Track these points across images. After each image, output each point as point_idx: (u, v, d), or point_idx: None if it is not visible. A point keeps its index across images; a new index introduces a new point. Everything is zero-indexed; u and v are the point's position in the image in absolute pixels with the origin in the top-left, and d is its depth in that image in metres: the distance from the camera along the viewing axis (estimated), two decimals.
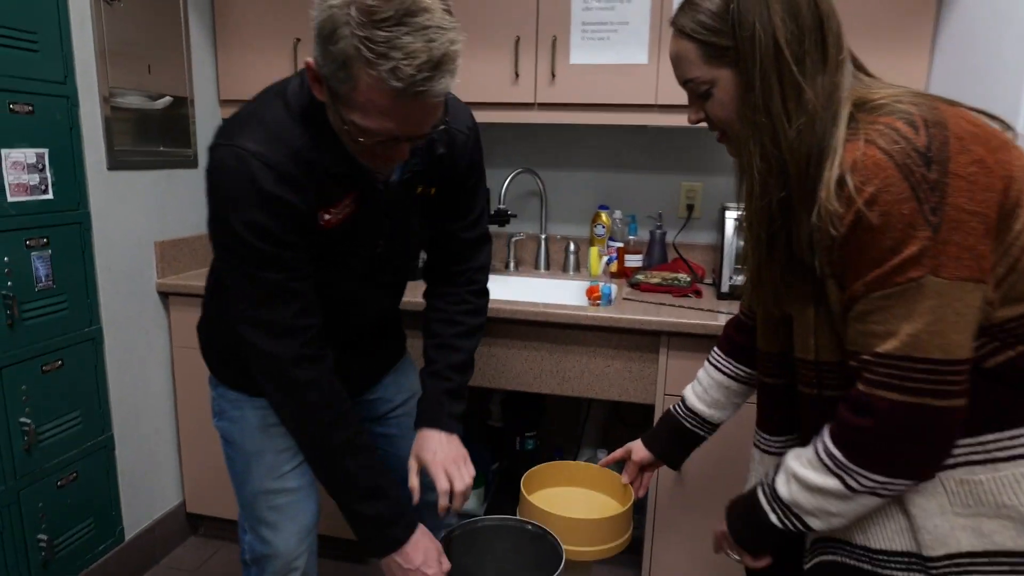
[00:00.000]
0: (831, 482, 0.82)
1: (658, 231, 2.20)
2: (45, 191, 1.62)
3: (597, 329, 1.76)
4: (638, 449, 1.31)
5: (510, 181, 2.13)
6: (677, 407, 1.26)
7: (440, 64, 0.82)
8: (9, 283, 1.54)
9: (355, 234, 1.07)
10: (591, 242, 2.24)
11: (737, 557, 1.00)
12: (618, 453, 1.35)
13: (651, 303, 1.85)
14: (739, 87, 0.85)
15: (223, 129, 1.00)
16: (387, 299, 1.29)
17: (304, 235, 1.00)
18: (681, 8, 0.88)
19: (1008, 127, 0.83)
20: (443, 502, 1.12)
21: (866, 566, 0.87)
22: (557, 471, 1.40)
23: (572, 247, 2.27)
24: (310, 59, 0.88)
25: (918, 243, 0.73)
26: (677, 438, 1.26)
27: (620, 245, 2.18)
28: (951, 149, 0.74)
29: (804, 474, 0.85)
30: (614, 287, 2.01)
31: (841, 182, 0.77)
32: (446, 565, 1.12)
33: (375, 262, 1.14)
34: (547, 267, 2.30)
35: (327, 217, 1.02)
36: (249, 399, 1.22)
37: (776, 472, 0.91)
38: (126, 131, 1.86)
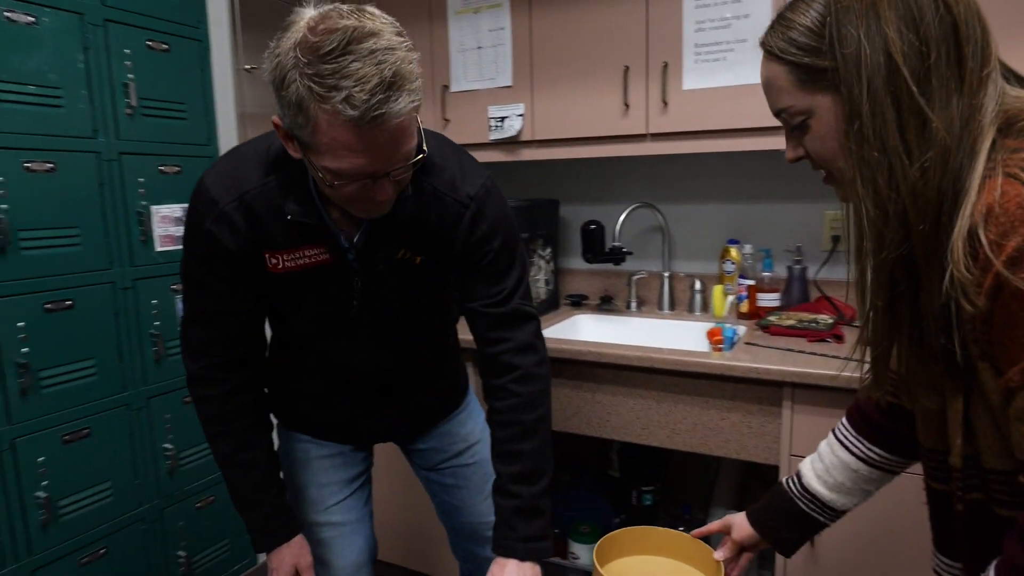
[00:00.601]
0: None
1: (797, 267, 1.95)
2: None
3: (709, 377, 1.58)
4: (740, 525, 1.12)
5: (626, 216, 2.02)
6: (792, 483, 1.05)
7: (393, 84, 0.78)
8: (156, 323, 1.74)
9: (320, 287, 1.05)
10: (720, 280, 2.05)
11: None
12: (715, 525, 1.17)
13: (779, 349, 1.63)
14: (842, 117, 0.68)
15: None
16: (383, 350, 1.15)
17: (241, 274, 1.02)
18: (772, 26, 0.74)
19: None
20: None
21: None
22: (641, 538, 1.26)
23: (698, 285, 2.09)
24: (275, 117, 0.87)
25: None
26: (789, 520, 1.04)
27: (751, 283, 1.97)
28: None
29: None
30: (741, 329, 1.82)
31: (973, 236, 0.60)
32: None
33: (353, 321, 1.10)
34: (671, 307, 2.14)
35: (273, 261, 1.01)
36: (293, 434, 1.26)
37: None
38: None
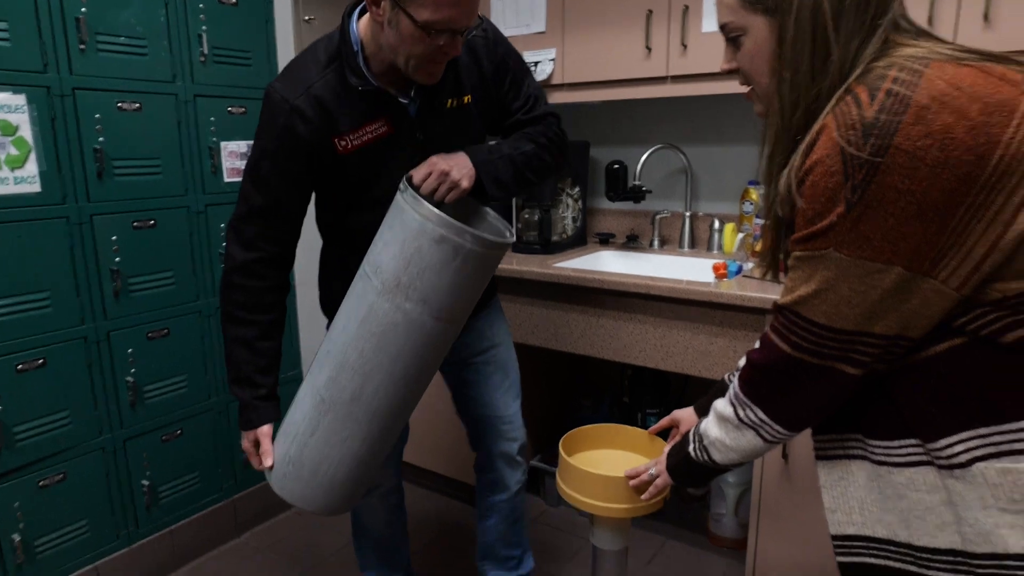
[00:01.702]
0: (728, 411, 0.91)
1: None
2: None
3: (699, 304, 1.70)
4: (687, 418, 1.29)
5: (648, 157, 2.12)
6: (732, 375, 1.22)
7: None
8: (224, 244, 2.02)
9: (390, 153, 1.24)
10: (740, 220, 2.13)
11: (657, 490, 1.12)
12: (664, 421, 1.33)
13: (778, 283, 1.72)
14: (771, 38, 0.81)
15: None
16: None
17: (314, 163, 1.21)
18: None
19: None
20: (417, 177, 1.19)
21: (911, 567, 0.81)
22: (603, 433, 1.43)
23: (717, 225, 2.18)
24: None
25: (831, 217, 0.72)
26: None
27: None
28: (905, 120, 0.68)
29: (717, 404, 0.94)
30: (748, 265, 1.91)
31: (793, 160, 0.77)
32: (266, 462, 1.27)
33: None
34: (692, 246, 2.24)
35: (342, 144, 1.21)
36: None
37: None
38: None
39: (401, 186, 1.15)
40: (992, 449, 0.72)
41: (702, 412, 1.26)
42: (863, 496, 0.85)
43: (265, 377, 1.32)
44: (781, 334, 0.81)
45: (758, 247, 2.03)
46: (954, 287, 0.71)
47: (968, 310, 0.72)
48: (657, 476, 1.12)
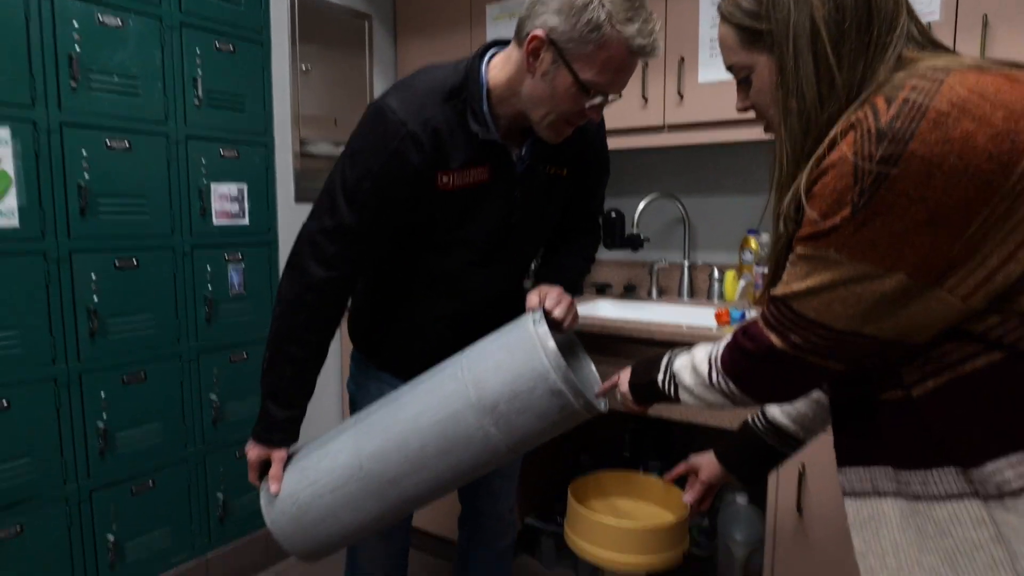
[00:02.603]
0: (704, 369, 0.92)
1: None
2: (243, 218, 2.06)
3: None
4: (707, 464, 1.21)
5: (646, 205, 2.09)
6: (757, 419, 1.15)
7: (656, 33, 1.05)
8: (209, 286, 1.98)
9: (483, 202, 1.21)
10: (739, 269, 2.08)
11: (620, 398, 1.11)
12: (681, 467, 1.26)
13: None
14: (775, 72, 0.80)
15: (387, 91, 1.21)
16: (503, 282, 1.37)
17: (413, 192, 1.15)
18: None
19: None
20: (532, 304, 1.21)
21: None
22: (616, 480, 1.34)
23: (716, 274, 2.13)
24: (539, 32, 1.06)
25: (835, 220, 0.69)
26: (753, 453, 1.15)
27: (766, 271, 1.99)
28: (921, 126, 0.65)
29: (698, 350, 0.95)
30: (751, 313, 1.85)
31: (799, 199, 0.76)
32: (273, 488, 1.21)
33: (502, 234, 1.25)
34: (691, 295, 2.19)
35: (444, 180, 1.16)
36: (374, 370, 1.41)
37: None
38: (315, 172, 2.28)
39: (536, 316, 1.12)
40: None
41: (723, 460, 1.18)
42: (897, 537, 0.77)
43: (303, 400, 1.27)
44: (771, 325, 0.79)
45: (759, 295, 1.98)
46: (961, 297, 0.67)
47: (1004, 320, 0.68)
48: (608, 384, 1.15)
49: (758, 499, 1.95)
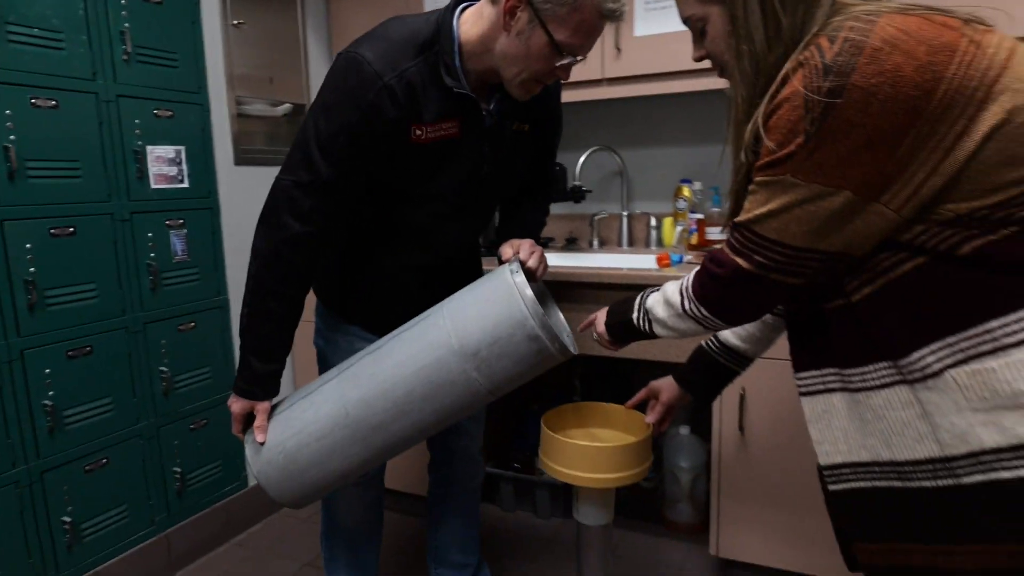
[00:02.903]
0: (676, 300, 1.02)
1: None
2: (182, 181, 1.98)
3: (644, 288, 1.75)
4: (667, 387, 1.32)
5: (586, 158, 2.18)
6: (710, 342, 1.27)
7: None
8: (152, 255, 1.89)
9: (454, 155, 1.23)
10: (674, 216, 2.22)
11: (597, 338, 1.22)
12: (642, 393, 1.36)
13: None
14: (728, 20, 0.88)
15: (353, 41, 1.20)
16: (470, 235, 1.44)
17: (387, 145, 1.17)
18: None
19: (975, 21, 0.80)
20: (507, 255, 1.28)
21: (896, 483, 0.85)
22: (582, 411, 1.44)
23: (654, 222, 2.26)
24: None
25: (791, 147, 0.79)
26: (709, 373, 1.28)
27: (700, 217, 2.14)
28: (860, 60, 0.75)
29: (668, 286, 1.06)
30: (688, 256, 1.99)
31: (758, 130, 0.84)
32: (259, 438, 1.23)
33: (472, 187, 1.29)
34: (630, 244, 2.31)
35: (418, 132, 1.18)
36: (341, 325, 1.42)
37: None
38: (251, 133, 2.20)
39: (513, 267, 1.17)
40: (960, 355, 0.78)
41: (682, 381, 1.30)
42: (846, 425, 0.90)
43: (283, 354, 1.27)
44: (736, 250, 0.88)
45: (694, 240, 2.12)
46: (894, 209, 0.78)
47: (927, 229, 0.79)
48: (585, 323, 1.26)
49: (699, 430, 2.12)
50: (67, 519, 1.71)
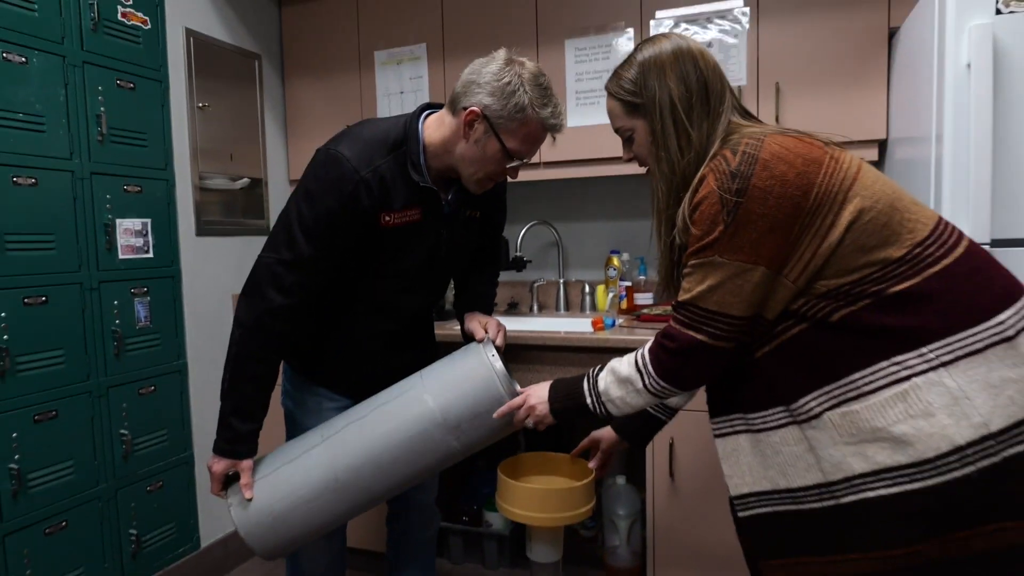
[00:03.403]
0: (635, 378, 1.13)
1: None
2: (147, 251, 2.09)
3: (590, 350, 1.97)
4: (607, 436, 1.51)
5: (526, 231, 2.42)
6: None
7: (562, 116, 1.37)
8: (117, 321, 1.98)
9: (416, 238, 1.42)
10: (605, 283, 2.47)
11: (533, 422, 1.30)
12: (585, 442, 1.55)
13: (648, 329, 2.05)
14: (648, 132, 1.13)
15: (331, 139, 1.39)
16: (427, 305, 1.61)
17: (361, 229, 1.35)
18: (610, 77, 1.19)
19: (832, 146, 1.07)
20: (479, 335, 1.46)
21: (791, 507, 1.07)
22: (532, 460, 1.61)
23: (588, 289, 2.51)
24: (475, 108, 1.30)
25: (715, 234, 1.01)
26: (643, 424, 1.46)
27: (629, 284, 2.40)
28: (756, 168, 1.00)
29: (617, 367, 1.16)
30: (619, 320, 2.23)
31: (685, 201, 1.08)
32: (247, 494, 1.35)
33: (430, 265, 1.48)
34: (566, 308, 2.54)
35: (387, 219, 1.37)
36: (312, 387, 1.55)
37: (603, 371, 1.20)
38: (212, 205, 2.34)
39: (489, 351, 1.37)
40: (834, 400, 1.01)
41: (619, 431, 1.50)
42: (750, 460, 1.12)
43: (262, 414, 1.40)
44: (686, 324, 1.06)
45: (624, 305, 2.37)
46: (792, 280, 1.02)
47: (808, 301, 1.03)
48: (523, 411, 1.32)
49: (634, 479, 2.33)
50: None
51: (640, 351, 1.14)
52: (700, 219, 1.03)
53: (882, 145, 2.02)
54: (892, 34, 1.95)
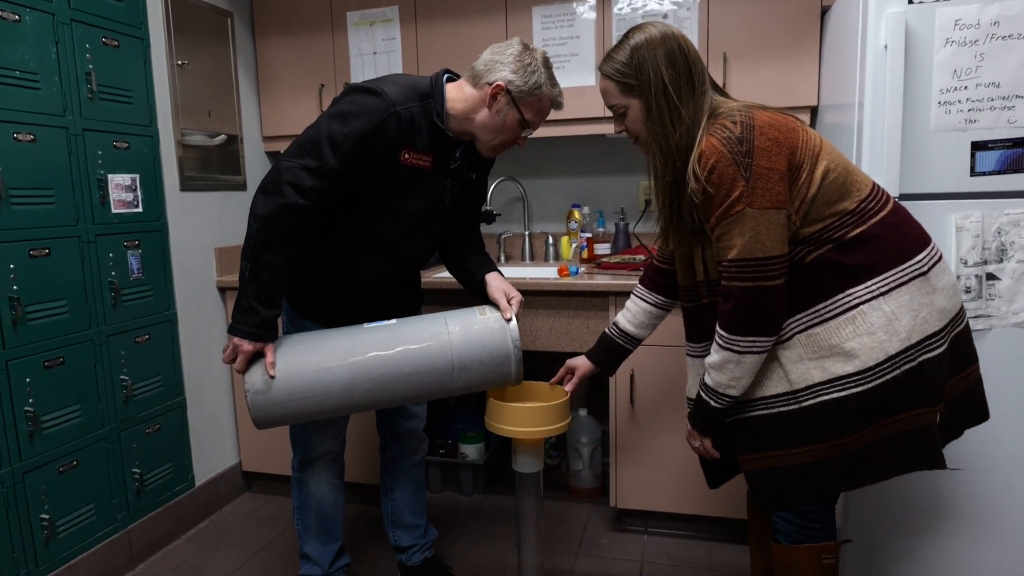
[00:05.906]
0: (726, 355, 1.28)
1: (621, 223, 2.64)
2: (137, 206, 2.17)
3: (559, 294, 2.20)
4: (581, 364, 1.74)
5: (495, 187, 2.61)
6: (611, 329, 1.70)
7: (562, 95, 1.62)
8: (113, 273, 2.08)
9: (424, 181, 1.59)
10: (567, 235, 2.70)
11: (698, 444, 1.43)
12: (562, 371, 1.78)
13: (607, 275, 2.29)
14: (643, 109, 1.33)
15: (369, 80, 1.57)
16: (424, 252, 1.75)
17: (380, 158, 1.51)
18: (604, 58, 1.37)
19: (797, 119, 1.31)
20: (507, 315, 1.60)
21: (763, 411, 1.33)
22: (516, 389, 1.84)
23: (551, 240, 2.73)
24: (500, 82, 1.52)
25: (739, 190, 1.21)
26: (611, 352, 1.71)
27: (589, 236, 2.63)
28: (755, 134, 1.23)
29: (711, 359, 1.31)
30: (582, 268, 2.46)
31: (694, 167, 1.26)
32: (271, 371, 1.46)
33: (432, 212, 1.65)
34: (531, 258, 2.76)
35: (406, 156, 1.54)
36: (302, 321, 1.71)
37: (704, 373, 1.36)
38: (193, 161, 2.42)
39: (514, 333, 1.56)
40: (803, 325, 1.28)
41: (592, 358, 1.73)
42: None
43: (281, 299, 1.53)
44: (738, 277, 1.23)
45: (585, 255, 2.61)
46: (796, 222, 1.26)
47: (792, 247, 1.28)
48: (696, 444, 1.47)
49: (594, 411, 2.60)
50: (45, 516, 1.86)
51: (715, 337, 1.30)
52: (718, 180, 1.21)
53: (814, 111, 2.30)
54: (824, 12, 2.21)
